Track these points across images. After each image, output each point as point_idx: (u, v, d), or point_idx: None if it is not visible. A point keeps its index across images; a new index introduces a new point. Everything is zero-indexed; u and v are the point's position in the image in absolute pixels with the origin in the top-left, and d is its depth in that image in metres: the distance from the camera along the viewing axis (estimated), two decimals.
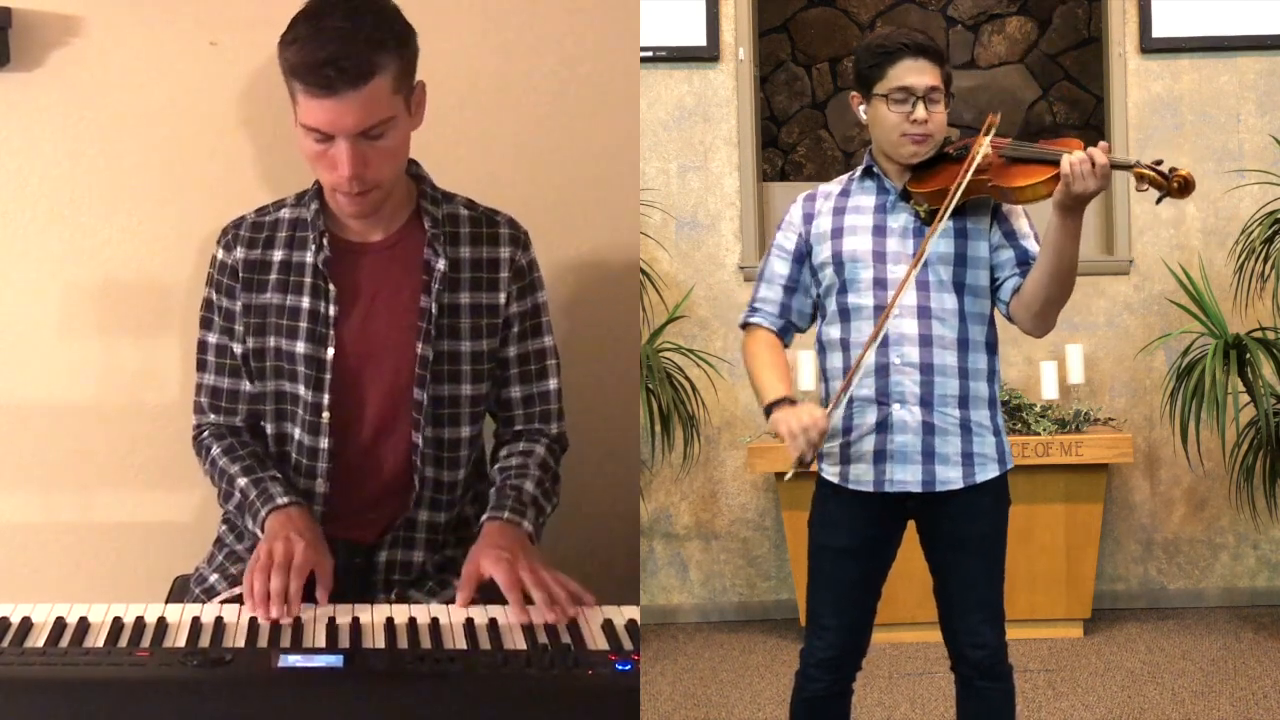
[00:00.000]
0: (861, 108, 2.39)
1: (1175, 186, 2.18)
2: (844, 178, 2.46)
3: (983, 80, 6.48)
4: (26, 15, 2.77)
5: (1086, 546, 4.35)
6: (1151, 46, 4.70)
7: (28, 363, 2.89)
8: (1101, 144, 2.18)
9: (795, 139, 6.55)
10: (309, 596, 2.19)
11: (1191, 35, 4.69)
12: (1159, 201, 2.25)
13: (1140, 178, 2.19)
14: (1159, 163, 2.20)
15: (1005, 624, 2.41)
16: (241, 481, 2.38)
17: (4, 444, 2.91)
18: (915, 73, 2.30)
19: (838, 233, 2.38)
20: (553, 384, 2.54)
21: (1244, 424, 4.32)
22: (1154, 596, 4.76)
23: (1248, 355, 4.24)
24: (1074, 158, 2.14)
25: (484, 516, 2.37)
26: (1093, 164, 2.12)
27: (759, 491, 4.81)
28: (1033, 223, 2.38)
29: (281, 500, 2.33)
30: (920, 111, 2.30)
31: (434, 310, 2.39)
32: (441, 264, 2.39)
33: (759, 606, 4.80)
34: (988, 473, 2.35)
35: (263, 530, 2.30)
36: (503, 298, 2.45)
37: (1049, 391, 4.53)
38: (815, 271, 2.41)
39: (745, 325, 2.47)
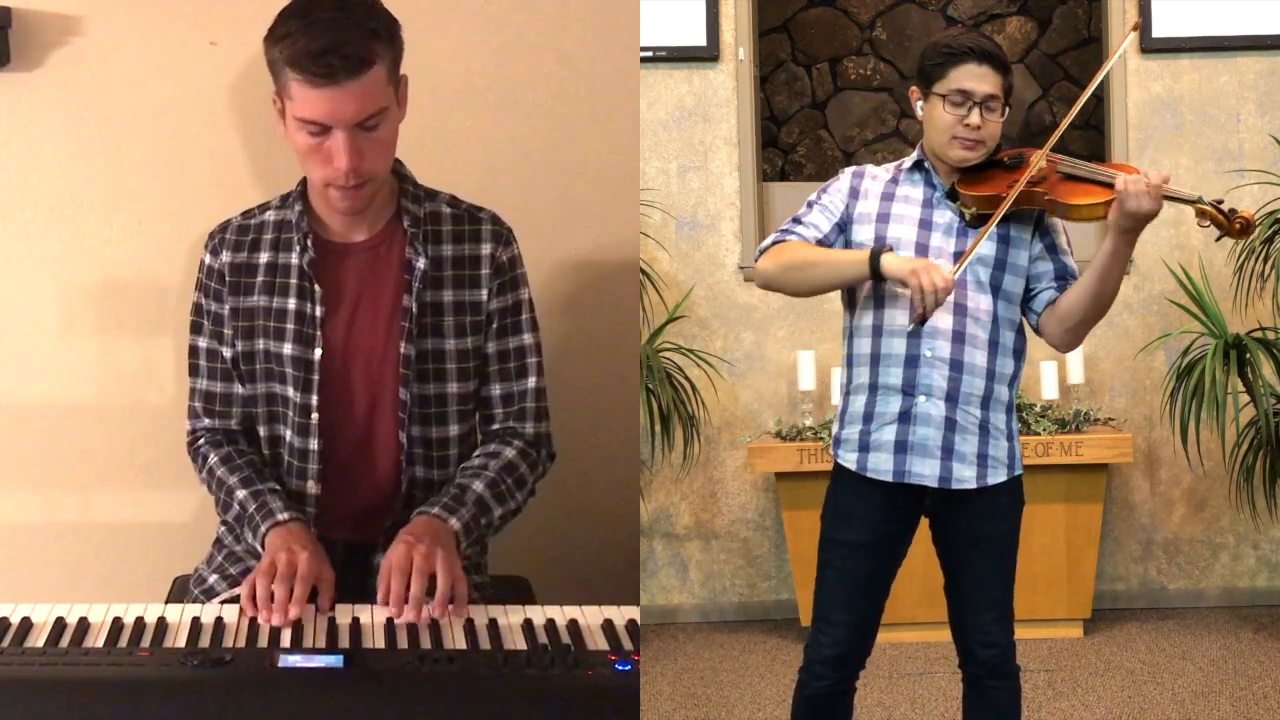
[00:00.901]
0: (919, 103, 2.39)
1: (1237, 228, 2.22)
2: (892, 166, 2.44)
3: None
4: (26, 15, 2.77)
5: (1086, 546, 4.35)
6: (1151, 46, 4.70)
7: (28, 363, 2.89)
8: (1161, 172, 2.20)
9: (795, 139, 6.55)
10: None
11: (1191, 35, 4.69)
12: (1218, 239, 2.29)
13: (1201, 214, 2.22)
14: (1220, 202, 2.23)
15: (1014, 624, 2.42)
16: (240, 494, 2.37)
17: (4, 444, 2.91)
18: (976, 78, 2.30)
19: (884, 218, 2.37)
20: (532, 382, 2.50)
21: (1244, 424, 4.31)
22: (1154, 596, 4.76)
23: (1248, 355, 4.24)
24: (1129, 177, 2.17)
25: (416, 510, 2.34)
26: (1147, 184, 2.15)
27: (759, 491, 4.81)
28: (1070, 240, 2.41)
29: (281, 516, 2.31)
30: (975, 117, 2.30)
31: (415, 309, 2.38)
32: (422, 263, 2.39)
33: (759, 606, 4.80)
34: (998, 476, 2.36)
35: (262, 545, 2.29)
36: (484, 294, 2.44)
37: (1049, 391, 4.53)
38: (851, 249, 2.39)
39: (770, 245, 2.38)
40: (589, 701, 1.85)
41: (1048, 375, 4.55)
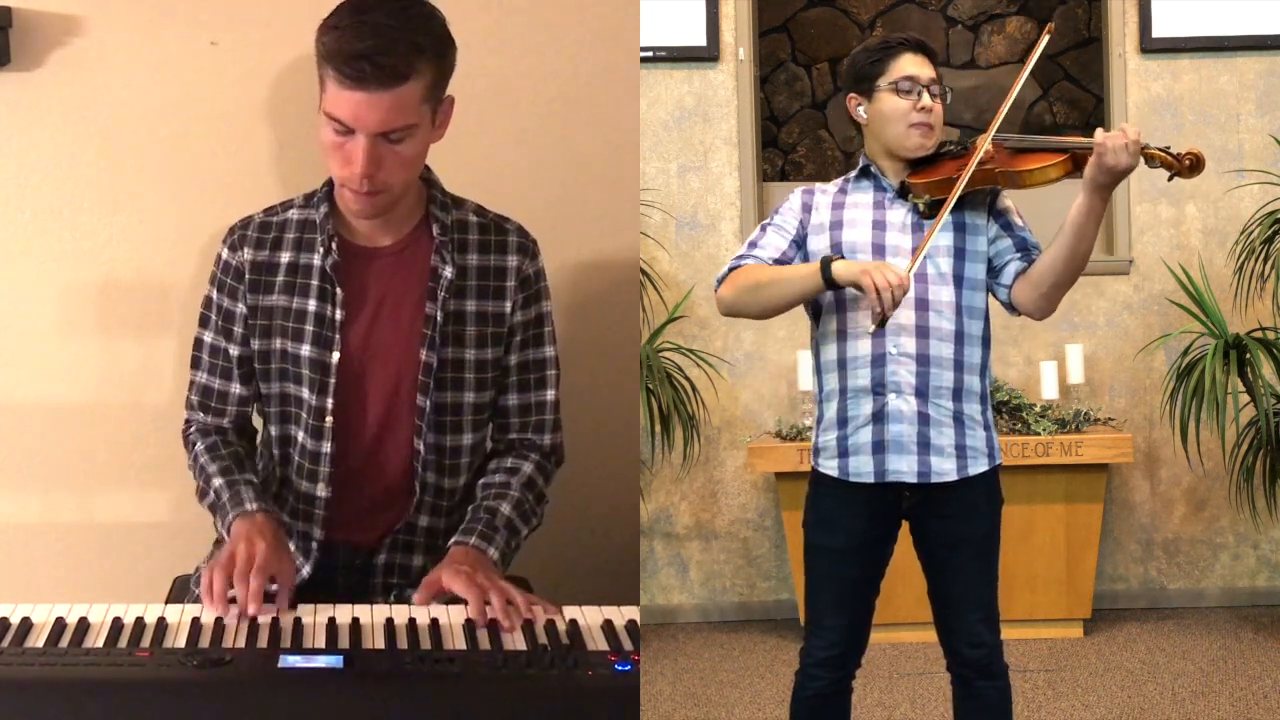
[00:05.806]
0: (860, 108, 2.40)
1: (1186, 165, 2.23)
2: (839, 180, 2.47)
3: (983, 80, 6.48)
4: (26, 15, 2.77)
5: (1086, 546, 4.35)
6: (1151, 46, 4.71)
7: (28, 363, 2.89)
8: (1135, 128, 2.20)
9: (795, 139, 6.55)
10: (270, 599, 2.17)
11: (1191, 35, 4.70)
12: (1170, 179, 2.29)
13: (1150, 159, 2.23)
14: (1167, 148, 2.25)
15: (1000, 623, 2.42)
16: (216, 482, 2.37)
17: (4, 444, 2.91)
18: (917, 65, 2.36)
19: (836, 225, 2.38)
20: (550, 395, 2.52)
21: (1244, 424, 4.32)
22: (1154, 596, 4.77)
23: (1248, 355, 4.24)
24: (1109, 133, 2.18)
25: (452, 539, 2.35)
26: (1126, 140, 2.16)
27: (759, 491, 4.81)
28: (1024, 219, 2.41)
29: (250, 506, 2.31)
30: (927, 99, 2.35)
31: (439, 317, 2.38)
32: (449, 271, 2.38)
33: (759, 606, 4.80)
34: (979, 466, 2.36)
35: (228, 533, 2.29)
36: (509, 306, 2.44)
37: (1049, 391, 4.53)
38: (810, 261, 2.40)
39: (726, 274, 2.40)
40: (589, 701, 1.85)
41: (1048, 375, 4.55)
